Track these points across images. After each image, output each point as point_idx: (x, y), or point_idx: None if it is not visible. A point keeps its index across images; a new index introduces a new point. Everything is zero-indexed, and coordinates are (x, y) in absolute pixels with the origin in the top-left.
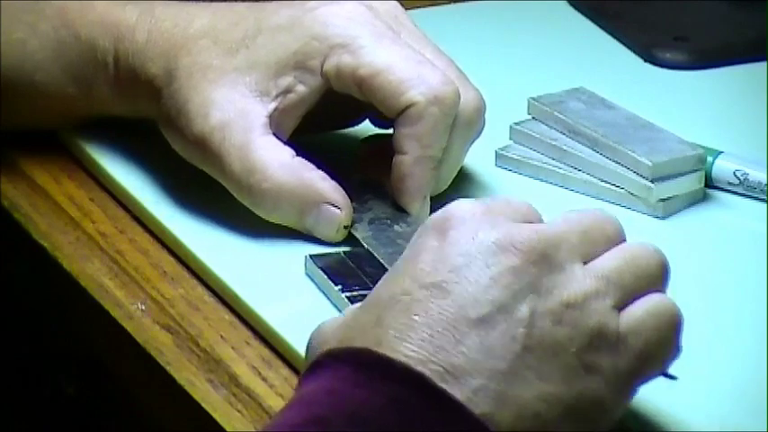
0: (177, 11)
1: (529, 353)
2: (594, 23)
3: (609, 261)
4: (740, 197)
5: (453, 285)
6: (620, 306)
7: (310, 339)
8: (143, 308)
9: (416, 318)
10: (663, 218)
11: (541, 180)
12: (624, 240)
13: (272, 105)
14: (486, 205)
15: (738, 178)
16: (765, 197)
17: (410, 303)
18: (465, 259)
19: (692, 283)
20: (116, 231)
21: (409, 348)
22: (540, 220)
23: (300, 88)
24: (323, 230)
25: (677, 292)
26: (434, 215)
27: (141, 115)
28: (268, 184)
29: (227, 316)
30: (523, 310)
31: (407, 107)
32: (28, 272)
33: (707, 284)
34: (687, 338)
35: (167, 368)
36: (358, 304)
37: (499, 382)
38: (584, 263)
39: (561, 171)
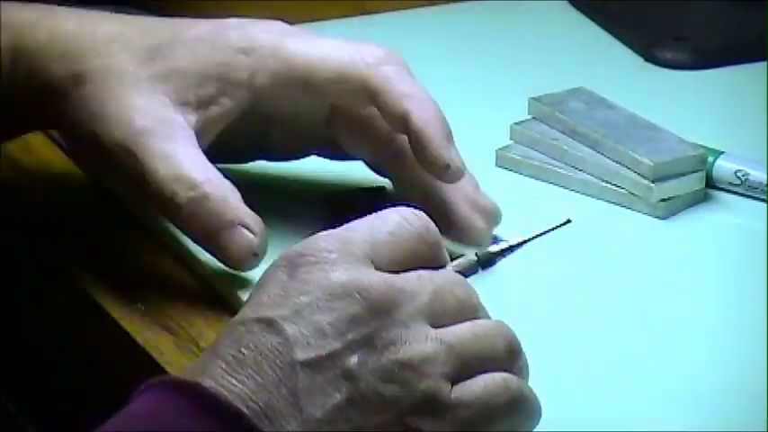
0: (81, 14)
1: (351, 406)
2: (595, 23)
3: (457, 330)
4: (741, 197)
5: (289, 324)
6: (457, 378)
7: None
8: (143, 308)
9: (245, 351)
10: (663, 218)
11: (542, 180)
12: (477, 307)
13: (193, 117)
14: (344, 241)
15: (739, 178)
16: (766, 197)
17: (243, 334)
18: (307, 299)
19: (693, 283)
20: (115, 231)
21: (232, 383)
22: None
23: (224, 100)
24: (233, 253)
25: (677, 293)
26: (292, 248)
27: (35, 125)
28: (193, 194)
29: (228, 316)
30: (353, 361)
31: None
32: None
33: (707, 285)
34: (688, 339)
35: (167, 368)
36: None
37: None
38: (432, 325)
39: (562, 171)
